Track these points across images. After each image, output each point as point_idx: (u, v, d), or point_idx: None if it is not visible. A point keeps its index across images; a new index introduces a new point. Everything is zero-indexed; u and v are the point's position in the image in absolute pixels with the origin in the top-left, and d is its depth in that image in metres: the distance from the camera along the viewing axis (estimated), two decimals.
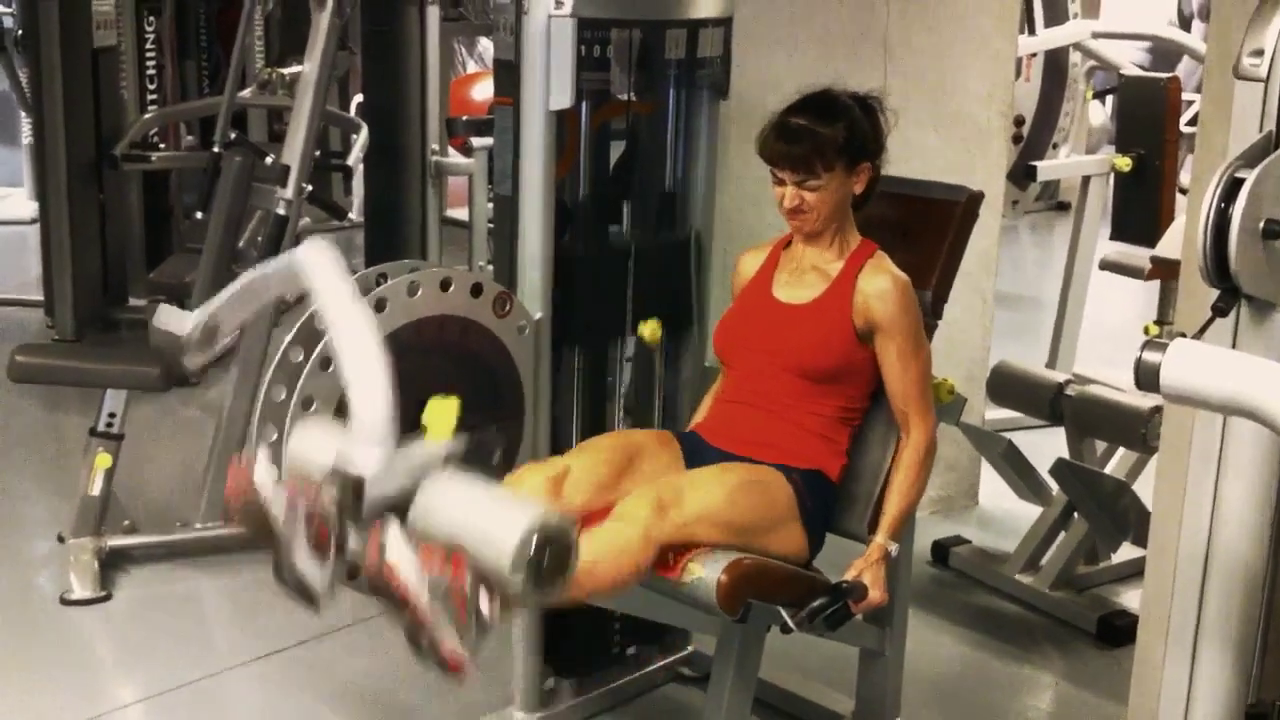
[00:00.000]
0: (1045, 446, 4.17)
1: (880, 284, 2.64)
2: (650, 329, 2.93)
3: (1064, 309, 5.29)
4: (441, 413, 2.16)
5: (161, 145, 6.29)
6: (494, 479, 2.28)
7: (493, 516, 2.02)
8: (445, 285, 2.64)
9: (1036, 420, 4.17)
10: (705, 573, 2.36)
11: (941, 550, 4.04)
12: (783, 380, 2.66)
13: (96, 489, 3.80)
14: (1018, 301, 6.99)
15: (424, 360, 2.65)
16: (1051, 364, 5.32)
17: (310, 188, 3.31)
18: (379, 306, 2.55)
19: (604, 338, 3.04)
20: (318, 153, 6.26)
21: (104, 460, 3.79)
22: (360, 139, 6.06)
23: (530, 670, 3.04)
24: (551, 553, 1.98)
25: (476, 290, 2.69)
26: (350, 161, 6.00)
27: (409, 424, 2.60)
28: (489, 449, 2.28)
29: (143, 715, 3.21)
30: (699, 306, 3.10)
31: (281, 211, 3.35)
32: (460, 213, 7.36)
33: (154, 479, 4.38)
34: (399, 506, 2.06)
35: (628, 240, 3.04)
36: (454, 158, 6.76)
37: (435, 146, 6.54)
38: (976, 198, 2.81)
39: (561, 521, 2.02)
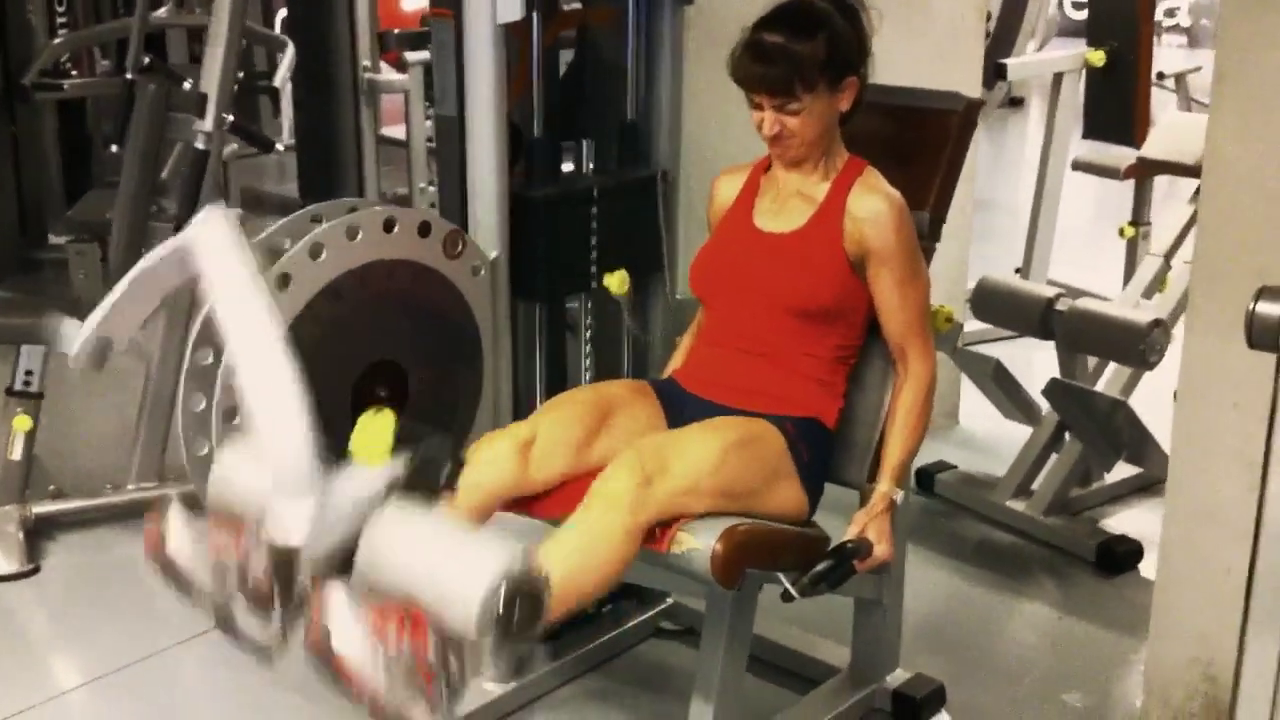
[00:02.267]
0: (1022, 358, 3.94)
1: (872, 205, 2.37)
2: (617, 280, 2.66)
3: (1037, 212, 5.08)
4: (375, 432, 1.87)
5: (74, 72, 5.89)
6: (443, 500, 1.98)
7: (450, 565, 1.77)
8: (389, 226, 2.36)
9: (1007, 331, 3.97)
10: (697, 543, 2.11)
11: (926, 477, 3.83)
12: (769, 319, 2.40)
13: (17, 453, 3.51)
14: (979, 204, 6.75)
15: (367, 312, 2.37)
16: (1025, 270, 5.15)
17: (231, 117, 2.98)
18: (314, 253, 2.26)
19: (566, 289, 2.77)
20: (241, 75, 5.92)
21: (23, 422, 3.49)
22: (286, 58, 5.68)
23: None
24: (523, 604, 1.75)
25: (424, 229, 2.41)
26: (277, 82, 5.63)
27: (352, 399, 2.35)
28: (435, 466, 1.98)
29: (87, 701, 2.94)
30: (668, 245, 2.83)
31: (200, 145, 3.01)
32: (397, 131, 7.01)
33: (81, 439, 4.08)
34: (340, 560, 1.80)
35: (587, 179, 2.77)
36: (387, 74, 6.41)
37: (367, 63, 6.19)
38: (975, 106, 2.55)
39: (528, 564, 1.79)
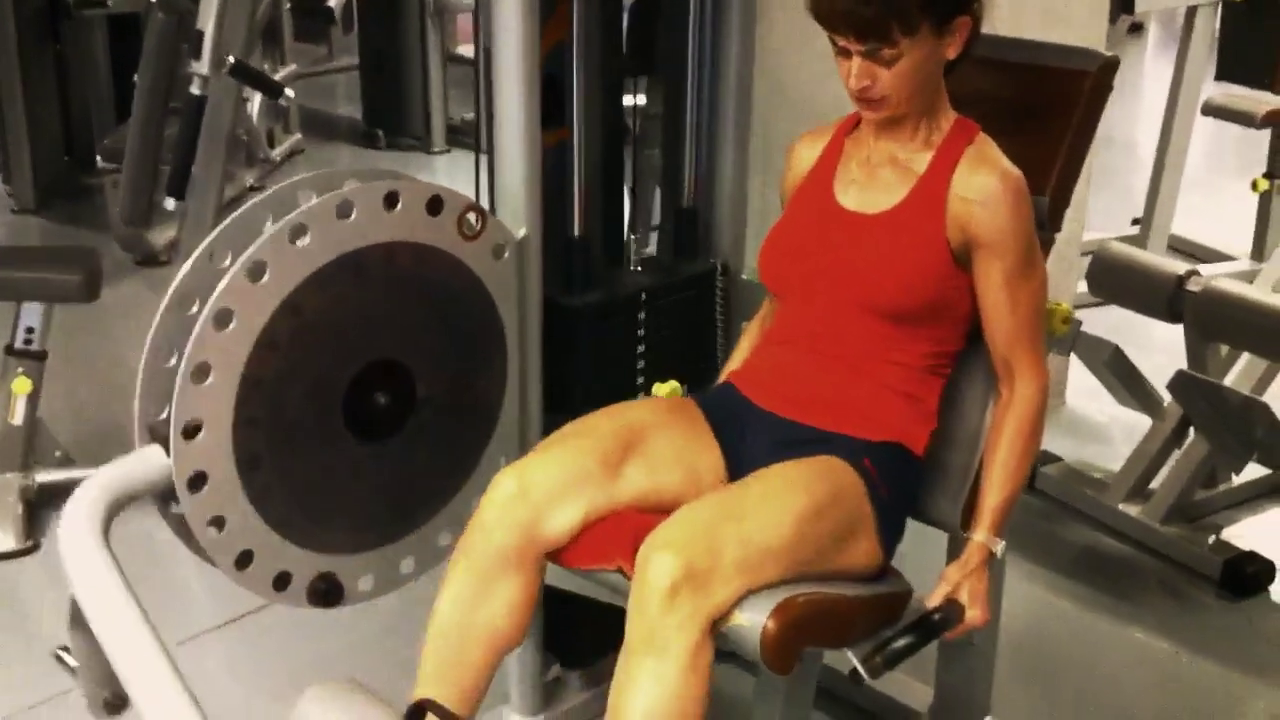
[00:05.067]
0: (1142, 327, 3.44)
1: (984, 183, 1.92)
2: (668, 392, 2.25)
3: (1162, 162, 4.56)
4: None
5: None
6: None
7: None
8: (390, 201, 1.96)
9: None
10: (744, 618, 1.71)
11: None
12: (851, 318, 1.97)
13: (18, 418, 3.21)
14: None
15: (363, 305, 1.98)
16: (1145, 224, 4.67)
17: (233, 60, 2.57)
18: (295, 235, 1.87)
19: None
20: None
21: (23, 384, 3.18)
22: None
23: (529, 661, 2.44)
24: None
25: (434, 206, 2.01)
26: (331, 1, 5.23)
27: (345, 405, 1.97)
28: None
29: None
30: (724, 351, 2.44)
31: (195, 90, 2.61)
32: (469, 49, 6.63)
33: (90, 401, 3.76)
34: None
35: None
36: None
37: None
38: (1110, 66, 2.06)
39: None
